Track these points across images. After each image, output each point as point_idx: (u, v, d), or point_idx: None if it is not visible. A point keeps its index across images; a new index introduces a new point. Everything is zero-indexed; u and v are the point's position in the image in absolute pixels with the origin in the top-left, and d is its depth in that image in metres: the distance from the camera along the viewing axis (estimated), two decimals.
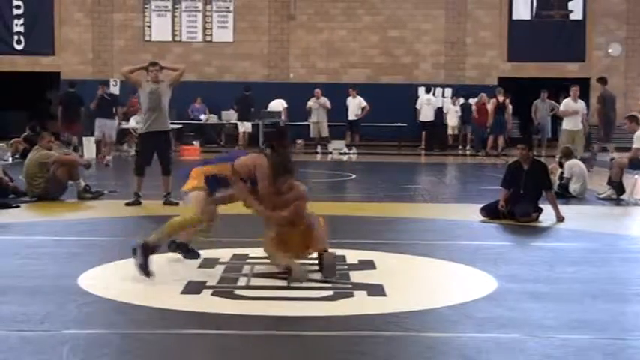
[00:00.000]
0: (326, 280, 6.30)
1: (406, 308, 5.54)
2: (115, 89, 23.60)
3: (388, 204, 11.83)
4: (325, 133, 23.53)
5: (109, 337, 4.87)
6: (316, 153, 22.94)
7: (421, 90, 25.12)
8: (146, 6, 25.92)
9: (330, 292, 5.99)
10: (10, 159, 17.62)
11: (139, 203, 10.80)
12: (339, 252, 7.01)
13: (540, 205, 9.86)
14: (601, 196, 12.19)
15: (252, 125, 23.68)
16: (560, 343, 4.80)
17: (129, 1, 25.95)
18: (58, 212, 10.53)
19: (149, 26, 25.95)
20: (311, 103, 23.46)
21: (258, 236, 6.91)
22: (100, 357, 4.51)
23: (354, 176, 16.42)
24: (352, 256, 7.21)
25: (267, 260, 6.73)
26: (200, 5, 25.90)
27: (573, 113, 16.43)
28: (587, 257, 7.63)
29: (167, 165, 10.93)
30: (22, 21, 25.87)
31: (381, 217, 10.21)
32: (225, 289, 6.08)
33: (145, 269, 6.21)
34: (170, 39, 25.88)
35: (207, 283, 6.19)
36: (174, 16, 25.91)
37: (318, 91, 23.55)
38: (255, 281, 6.34)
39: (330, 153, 23.17)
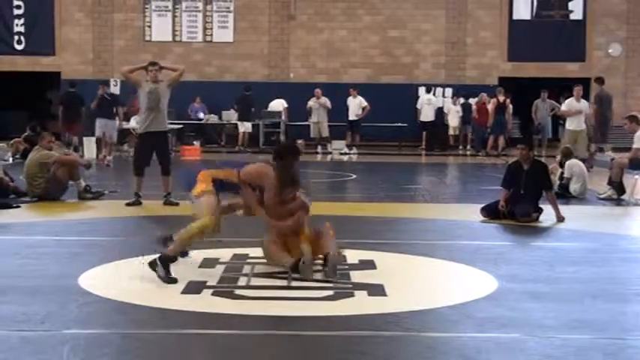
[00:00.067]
0: (326, 280, 6.30)
1: (406, 308, 5.54)
2: (115, 89, 23.56)
3: (388, 204, 11.83)
4: (325, 133, 23.51)
5: (109, 337, 4.88)
6: (316, 153, 22.92)
7: (421, 90, 25.10)
8: (146, 6, 25.91)
9: (331, 292, 5.99)
10: (11, 159, 17.62)
11: (140, 203, 10.80)
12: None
13: (541, 205, 9.86)
14: (601, 196, 12.19)
15: (253, 125, 23.71)
16: (560, 343, 4.80)
17: (129, 1, 25.94)
18: (58, 212, 10.53)
19: (149, 26, 25.93)
20: (311, 103, 23.44)
21: (258, 236, 6.92)
22: (100, 357, 4.51)
23: (354, 176, 16.41)
24: (352, 256, 7.20)
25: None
26: (200, 5, 25.88)
27: (577, 113, 16.40)
28: (588, 257, 7.63)
29: (167, 165, 10.94)
30: (22, 21, 25.86)
31: (381, 217, 10.21)
32: (225, 289, 6.08)
33: (169, 281, 6.17)
34: (170, 39, 25.87)
35: (208, 283, 6.19)
36: (174, 16, 25.90)
37: (318, 91, 23.53)
38: (255, 281, 6.34)
39: (331, 153, 23.16)
